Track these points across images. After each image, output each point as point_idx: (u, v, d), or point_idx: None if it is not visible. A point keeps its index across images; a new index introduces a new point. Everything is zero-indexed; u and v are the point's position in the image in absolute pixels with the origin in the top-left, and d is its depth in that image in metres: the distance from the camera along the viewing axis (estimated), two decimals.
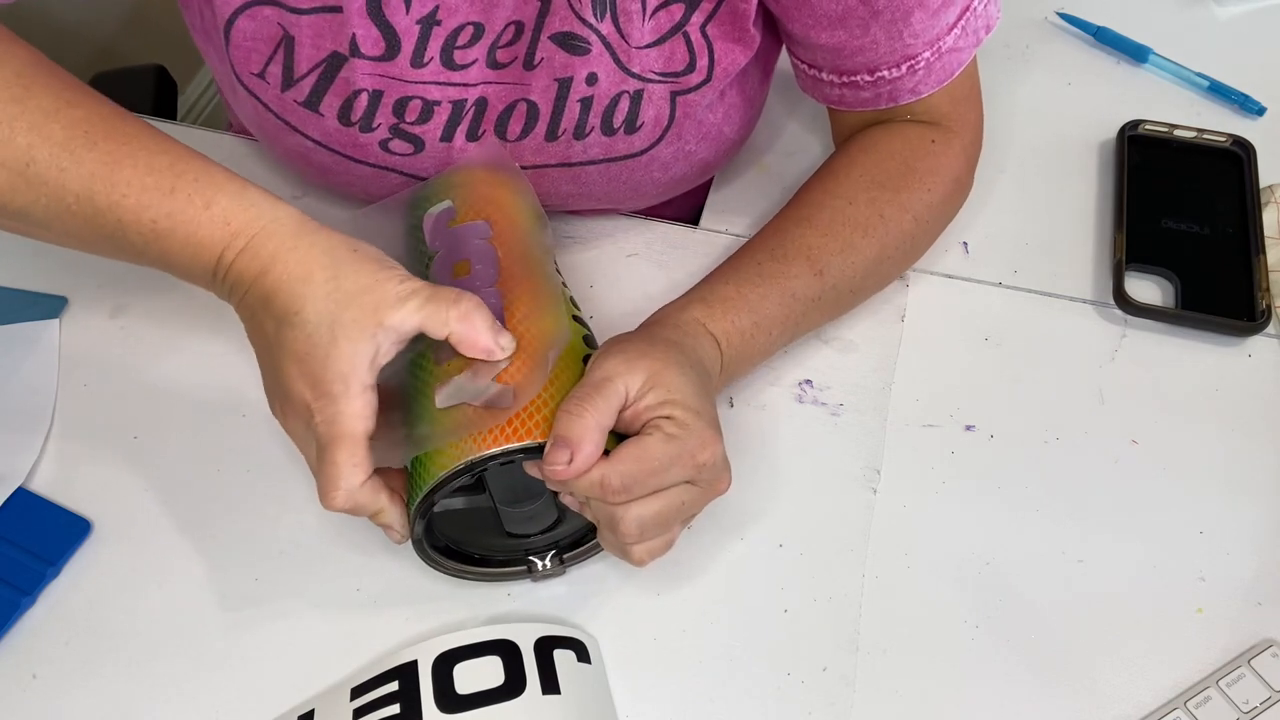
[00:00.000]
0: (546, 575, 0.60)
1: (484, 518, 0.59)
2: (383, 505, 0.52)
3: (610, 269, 0.73)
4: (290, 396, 0.52)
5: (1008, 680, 0.58)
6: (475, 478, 0.53)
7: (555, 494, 0.57)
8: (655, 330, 0.59)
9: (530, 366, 0.53)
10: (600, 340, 0.60)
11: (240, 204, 0.52)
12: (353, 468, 0.50)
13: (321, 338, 0.50)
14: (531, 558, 0.60)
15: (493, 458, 0.51)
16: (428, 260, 0.60)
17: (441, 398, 0.53)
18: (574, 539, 0.60)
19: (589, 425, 0.50)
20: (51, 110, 0.52)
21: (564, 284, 0.62)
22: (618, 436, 0.53)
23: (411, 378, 0.55)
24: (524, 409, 0.52)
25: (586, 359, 0.57)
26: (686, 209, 0.81)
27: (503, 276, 0.57)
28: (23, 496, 0.63)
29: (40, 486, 0.64)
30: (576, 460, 0.50)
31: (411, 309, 0.51)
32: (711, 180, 0.79)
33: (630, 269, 0.73)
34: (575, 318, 0.59)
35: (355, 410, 0.50)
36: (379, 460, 0.52)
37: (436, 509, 0.54)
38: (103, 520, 0.63)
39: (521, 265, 0.58)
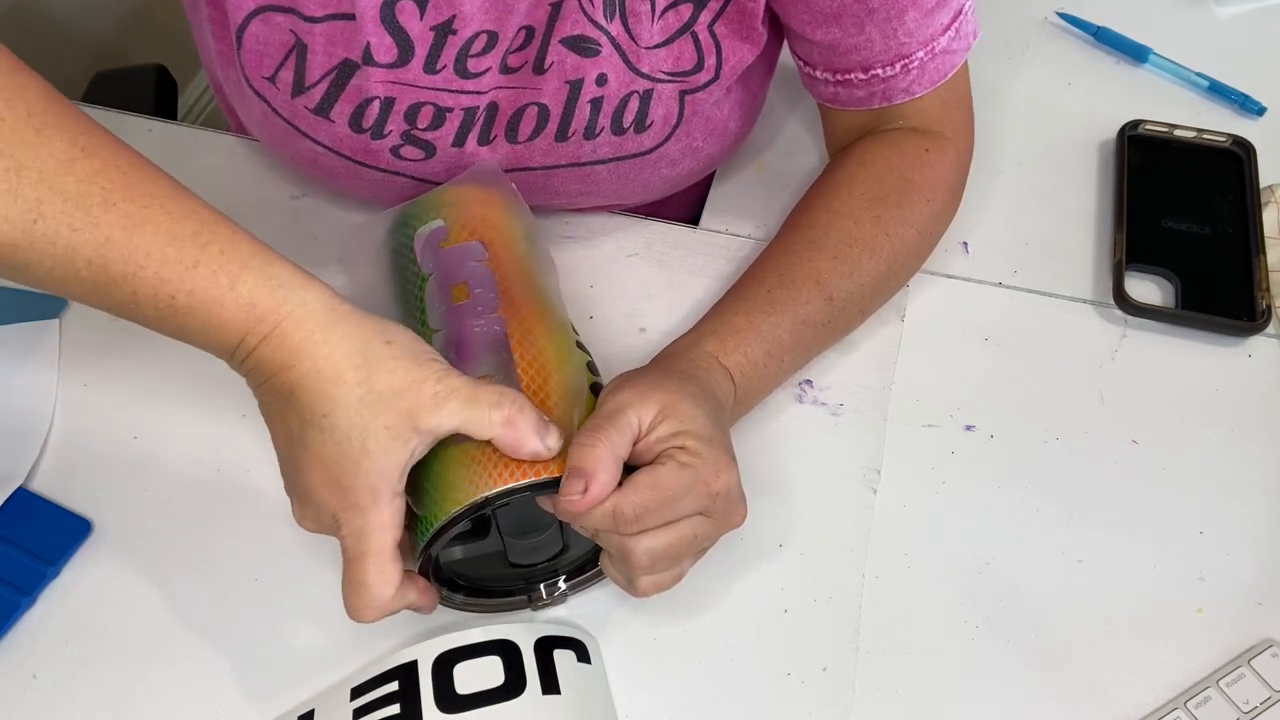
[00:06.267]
0: (547, 604, 0.59)
1: (485, 550, 0.58)
2: (409, 600, 0.52)
3: (610, 269, 0.73)
4: (312, 499, 0.50)
5: (1008, 680, 0.58)
6: (482, 515, 0.52)
7: (562, 524, 0.56)
8: (667, 364, 0.58)
9: (547, 403, 0.52)
10: (601, 366, 0.59)
11: (267, 285, 0.48)
12: (383, 584, 0.50)
13: (352, 446, 0.47)
14: (534, 586, 0.59)
15: (506, 494, 0.50)
16: (420, 282, 0.59)
17: None
18: (578, 565, 0.59)
19: (603, 455, 0.50)
20: (65, 159, 0.45)
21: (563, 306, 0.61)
22: (629, 469, 0.52)
23: None
24: None
25: (592, 386, 0.56)
26: (686, 208, 0.81)
27: (504, 302, 0.56)
28: (23, 496, 0.63)
29: (40, 486, 0.64)
30: (592, 490, 0.49)
31: (450, 412, 0.48)
32: (712, 178, 0.79)
33: (630, 269, 0.73)
34: (578, 344, 0.58)
35: (384, 521, 0.49)
36: None
37: (438, 550, 0.53)
38: (103, 520, 0.63)
39: (521, 289, 0.58)
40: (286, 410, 0.49)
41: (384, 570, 0.49)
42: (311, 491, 0.50)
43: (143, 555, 0.62)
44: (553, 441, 0.50)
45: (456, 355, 0.54)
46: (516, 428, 0.49)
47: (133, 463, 0.65)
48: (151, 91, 1.08)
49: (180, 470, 0.65)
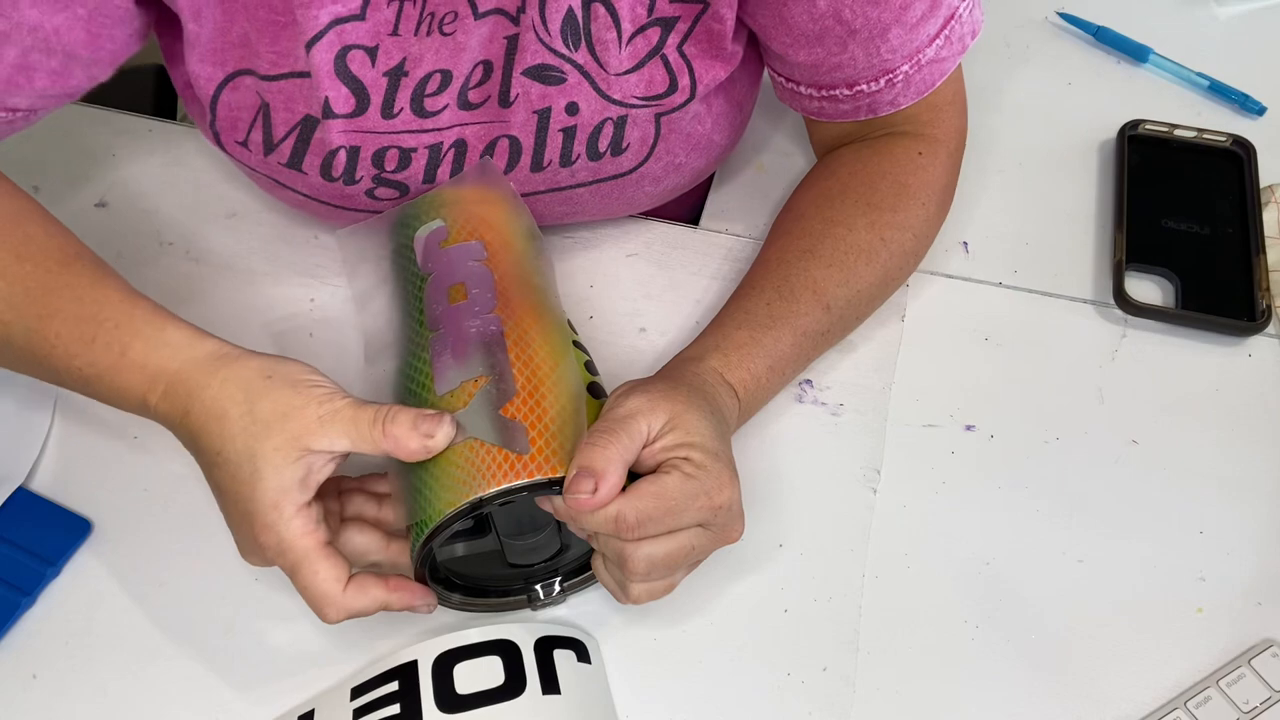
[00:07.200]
0: (546, 604, 0.59)
1: (483, 549, 0.58)
2: (383, 600, 0.52)
3: (610, 269, 0.73)
4: (240, 535, 0.53)
5: (1008, 680, 0.58)
6: (479, 515, 0.52)
7: (560, 524, 0.56)
8: (675, 375, 0.59)
9: (543, 404, 0.53)
10: (601, 366, 0.59)
11: (154, 347, 0.53)
12: (326, 583, 0.51)
13: (245, 474, 0.50)
14: (533, 586, 0.59)
15: (503, 494, 0.50)
16: (419, 282, 0.59)
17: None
18: (577, 566, 0.59)
19: (613, 457, 0.50)
20: (1, 268, 0.55)
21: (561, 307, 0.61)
22: (629, 477, 0.52)
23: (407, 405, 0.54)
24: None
25: (590, 386, 0.56)
26: (686, 208, 0.81)
27: (500, 301, 0.56)
28: (23, 496, 0.63)
29: (40, 486, 0.64)
30: (601, 491, 0.50)
31: (337, 434, 0.51)
32: (710, 180, 0.79)
33: (630, 269, 0.73)
34: (575, 343, 0.58)
35: (298, 529, 0.50)
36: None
37: (437, 549, 0.53)
38: (103, 520, 0.63)
39: (519, 289, 0.58)
40: (198, 458, 0.53)
41: (319, 572, 0.51)
42: (236, 528, 0.53)
43: (143, 555, 0.62)
44: (430, 427, 0.51)
45: (452, 356, 0.54)
46: (390, 434, 0.51)
47: (133, 463, 0.65)
48: (151, 91, 1.08)
49: (180, 470, 0.64)
